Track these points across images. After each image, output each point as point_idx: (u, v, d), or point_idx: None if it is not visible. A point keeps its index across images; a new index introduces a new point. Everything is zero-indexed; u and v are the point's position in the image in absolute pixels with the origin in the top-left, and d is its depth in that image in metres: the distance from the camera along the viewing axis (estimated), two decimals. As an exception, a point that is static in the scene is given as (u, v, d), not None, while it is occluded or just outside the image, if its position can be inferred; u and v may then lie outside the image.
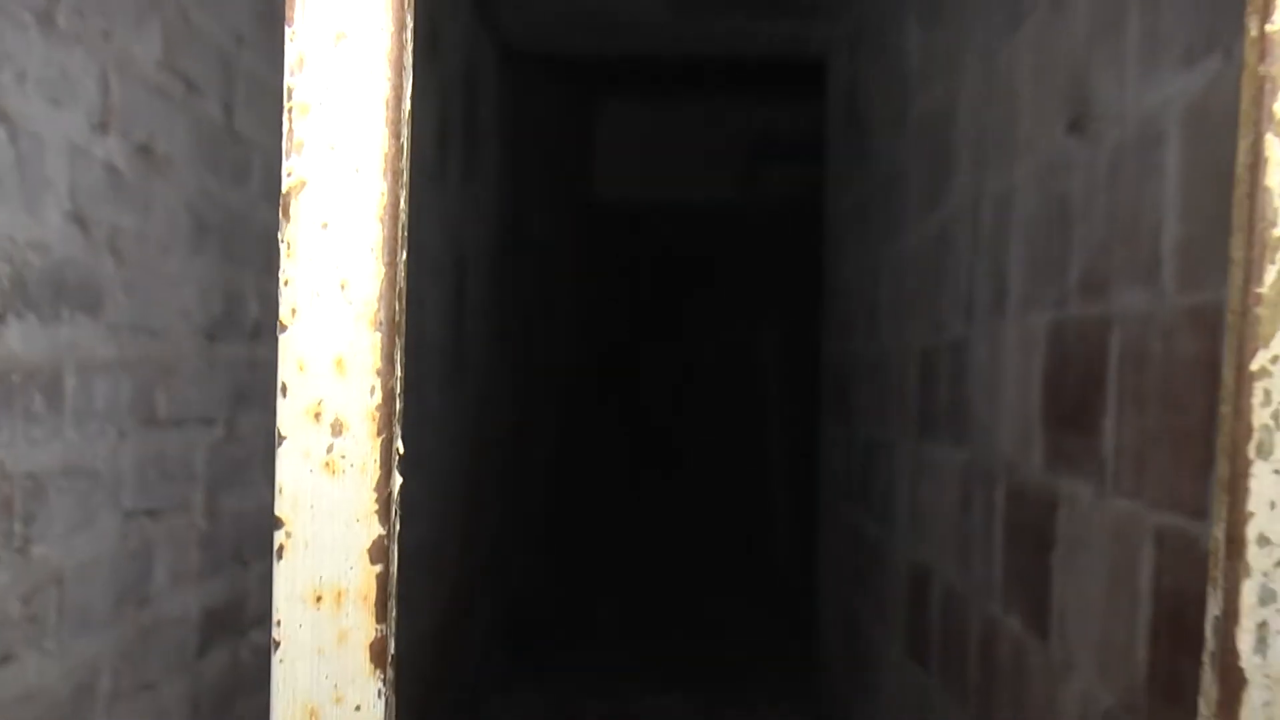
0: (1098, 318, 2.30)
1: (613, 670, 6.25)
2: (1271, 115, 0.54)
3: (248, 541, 2.76)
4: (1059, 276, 2.49)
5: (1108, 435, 2.26)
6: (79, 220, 2.04)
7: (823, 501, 5.89)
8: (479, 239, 5.50)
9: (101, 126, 2.09)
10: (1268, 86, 0.52)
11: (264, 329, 2.82)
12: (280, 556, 0.60)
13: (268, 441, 2.57)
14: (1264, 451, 0.53)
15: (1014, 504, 2.78)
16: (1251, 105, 0.53)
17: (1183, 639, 2.02)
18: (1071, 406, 2.41)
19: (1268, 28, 0.52)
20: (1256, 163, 0.53)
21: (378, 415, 0.59)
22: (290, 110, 0.59)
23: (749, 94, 7.41)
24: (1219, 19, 1.90)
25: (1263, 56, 0.52)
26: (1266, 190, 0.53)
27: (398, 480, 0.61)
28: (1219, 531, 0.57)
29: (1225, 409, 0.56)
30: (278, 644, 0.60)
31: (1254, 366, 0.53)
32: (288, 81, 0.59)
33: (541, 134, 6.93)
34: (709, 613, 7.56)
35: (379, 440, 0.59)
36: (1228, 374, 0.58)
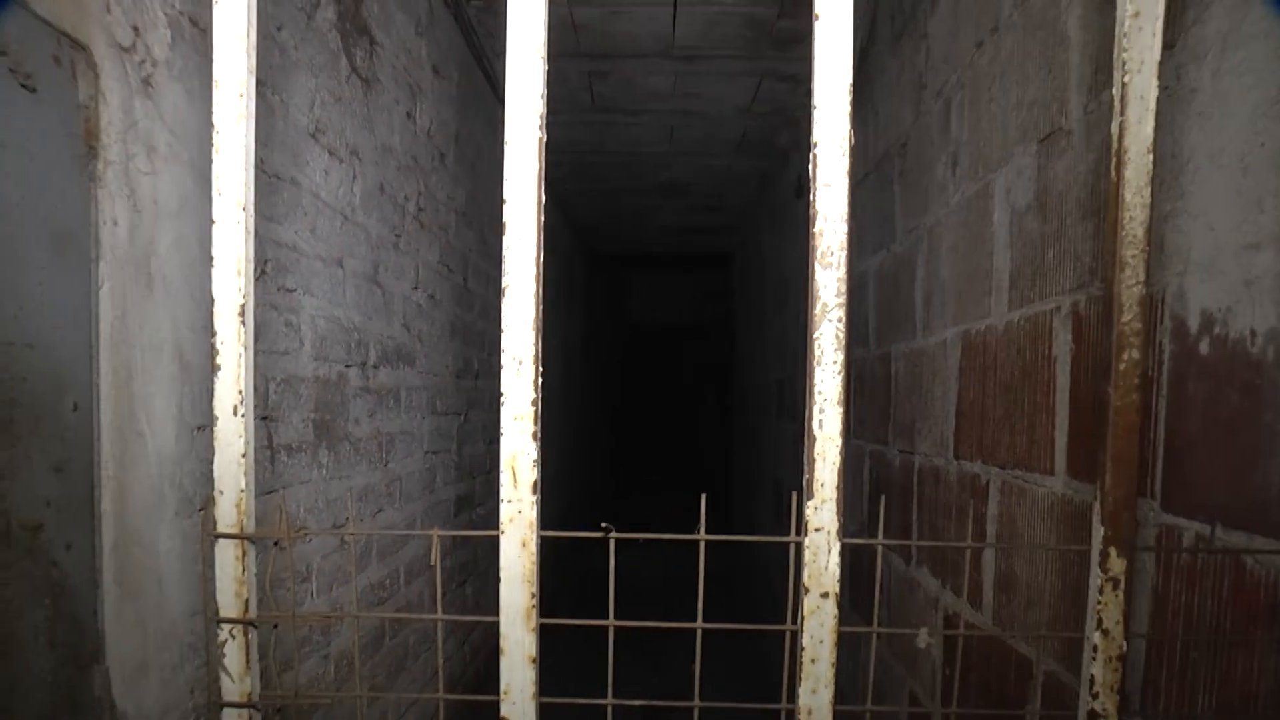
0: (855, 360, 3.93)
1: (655, 492, 10.76)
2: (815, 249, 1.11)
3: (474, 467, 3.83)
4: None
5: (857, 415, 3.39)
6: (406, 326, 2.95)
7: (735, 450, 8.81)
8: (576, 338, 7.96)
9: (415, 287, 3.05)
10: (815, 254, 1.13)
11: (480, 375, 3.89)
12: (503, 405, 0.97)
13: (483, 425, 3.92)
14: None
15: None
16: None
17: (876, 496, 3.07)
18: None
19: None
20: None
21: (533, 395, 0.98)
22: (503, 312, 0.97)
23: (699, 269, 11.16)
24: (885, 236, 2.98)
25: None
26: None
27: (539, 413, 0.97)
28: (808, 415, 1.13)
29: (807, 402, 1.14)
30: (504, 433, 0.97)
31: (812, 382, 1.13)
32: (504, 301, 0.96)
33: (603, 288, 10.53)
34: (687, 506, 11.49)
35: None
36: (807, 389, 1.10)
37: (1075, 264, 1.67)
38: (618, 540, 1.09)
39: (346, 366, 2.43)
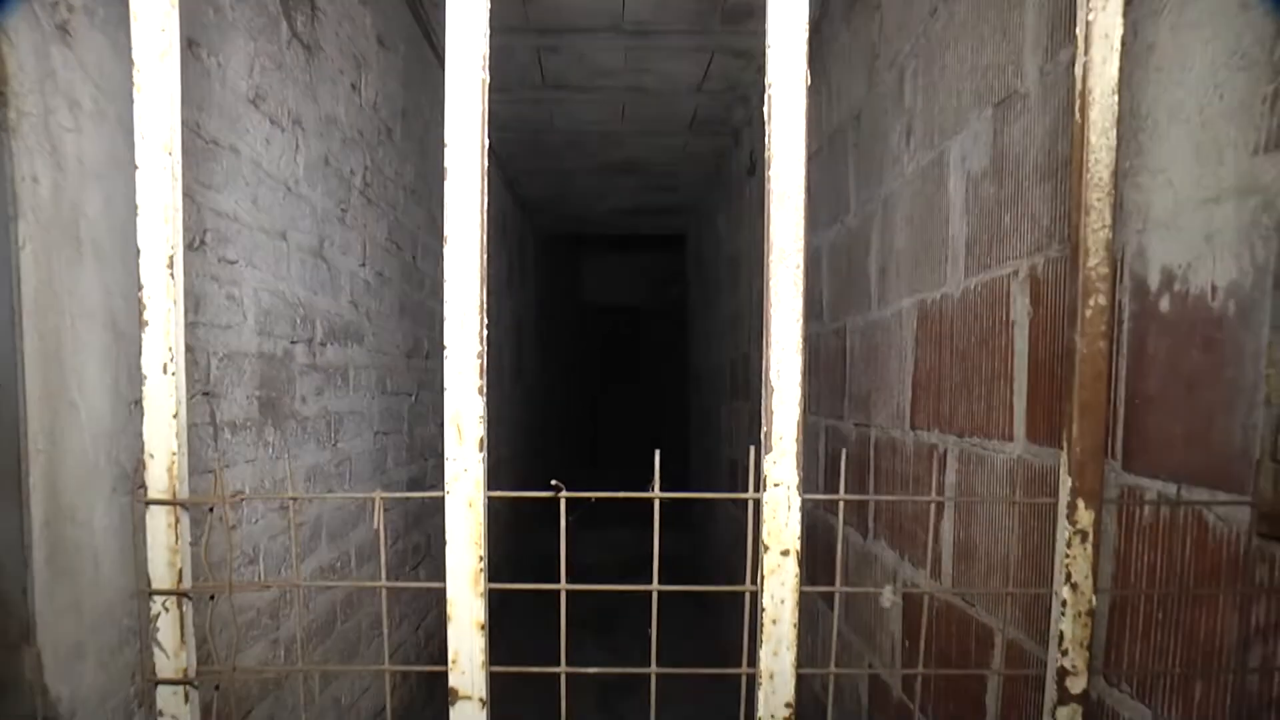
0: (809, 335, 4.04)
1: (612, 468, 10.03)
2: (772, 192, 1.08)
3: (425, 449, 3.75)
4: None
5: (813, 390, 3.33)
6: (354, 304, 2.84)
7: (691, 432, 8.65)
8: (528, 317, 7.77)
9: (363, 264, 2.94)
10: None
11: (430, 354, 3.80)
12: (447, 358, 0.95)
13: (434, 406, 3.79)
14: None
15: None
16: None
17: (833, 470, 3.06)
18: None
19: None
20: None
21: (478, 348, 0.96)
22: (445, 263, 0.95)
23: (651, 250, 11.01)
24: (839, 209, 2.98)
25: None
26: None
27: (484, 365, 0.95)
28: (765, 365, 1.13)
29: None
30: (447, 388, 0.95)
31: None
32: (446, 250, 0.94)
33: (555, 270, 10.20)
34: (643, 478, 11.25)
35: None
36: (764, 339, 1.10)
37: (1033, 227, 1.66)
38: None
39: (292, 343, 2.35)
